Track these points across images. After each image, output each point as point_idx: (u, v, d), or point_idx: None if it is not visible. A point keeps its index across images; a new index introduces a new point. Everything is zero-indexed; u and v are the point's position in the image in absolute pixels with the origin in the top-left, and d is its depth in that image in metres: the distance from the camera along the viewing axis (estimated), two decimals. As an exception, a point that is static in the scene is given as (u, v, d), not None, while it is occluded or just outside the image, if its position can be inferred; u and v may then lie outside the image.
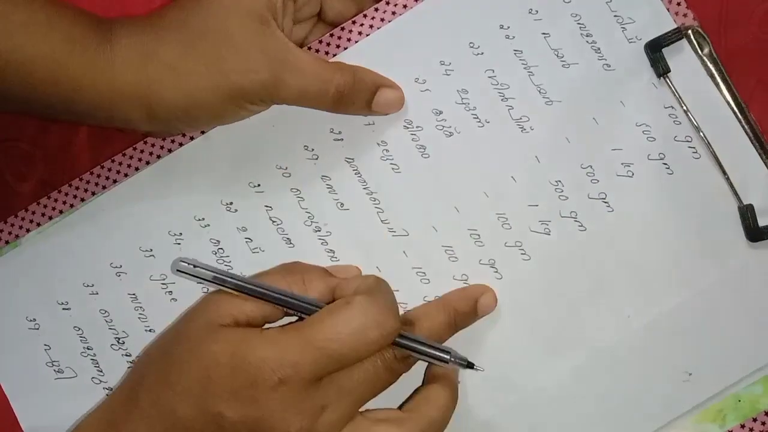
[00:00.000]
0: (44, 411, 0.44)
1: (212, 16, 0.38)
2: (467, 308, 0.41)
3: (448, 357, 0.38)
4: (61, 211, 0.45)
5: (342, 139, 0.43)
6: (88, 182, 0.45)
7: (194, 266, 0.38)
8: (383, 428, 0.36)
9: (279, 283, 0.38)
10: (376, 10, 0.43)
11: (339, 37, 0.43)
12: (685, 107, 0.42)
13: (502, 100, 0.43)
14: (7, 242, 0.45)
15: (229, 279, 0.38)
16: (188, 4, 0.39)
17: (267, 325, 0.39)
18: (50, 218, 0.45)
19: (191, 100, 0.39)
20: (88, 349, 0.44)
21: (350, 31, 0.43)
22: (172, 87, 0.38)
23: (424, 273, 0.43)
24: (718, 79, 0.42)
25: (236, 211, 0.44)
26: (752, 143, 0.41)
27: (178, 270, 0.39)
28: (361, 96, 0.41)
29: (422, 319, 0.39)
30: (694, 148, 0.42)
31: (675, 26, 0.42)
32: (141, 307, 0.44)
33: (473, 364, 0.39)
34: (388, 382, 0.37)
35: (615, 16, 0.42)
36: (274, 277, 0.39)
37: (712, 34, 0.41)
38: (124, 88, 0.38)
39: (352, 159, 0.43)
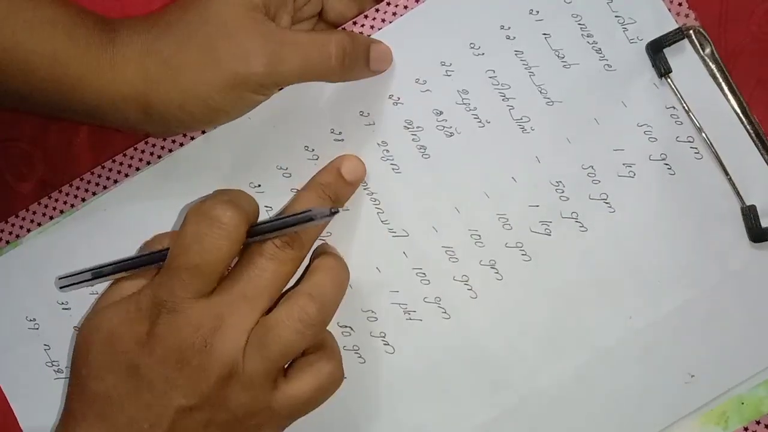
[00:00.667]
0: (44, 411, 0.44)
1: (208, 11, 0.38)
2: (331, 178, 0.41)
3: (311, 213, 0.37)
4: (61, 211, 0.45)
5: (342, 140, 0.43)
6: (88, 182, 0.45)
7: (71, 275, 0.40)
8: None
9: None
10: (377, 10, 0.43)
11: (340, 38, 0.43)
12: (686, 107, 0.41)
13: (502, 100, 0.43)
14: (7, 242, 0.45)
15: (105, 268, 0.40)
16: (187, 1, 0.39)
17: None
18: (51, 218, 0.45)
19: (187, 94, 0.38)
20: (88, 349, 0.44)
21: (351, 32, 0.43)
22: (168, 83, 0.38)
23: (424, 274, 0.43)
24: (720, 80, 0.41)
25: (236, 211, 0.43)
26: (754, 143, 0.41)
27: (61, 287, 0.41)
28: (361, 53, 0.41)
29: (294, 204, 0.40)
30: (696, 148, 0.41)
31: (676, 26, 0.41)
32: (141, 308, 0.43)
33: (338, 209, 0.39)
34: (283, 273, 0.38)
35: (616, 16, 0.42)
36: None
37: (711, 35, 0.41)
38: (123, 88, 0.38)
39: (353, 159, 0.43)
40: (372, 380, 0.43)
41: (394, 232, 0.43)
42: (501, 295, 0.42)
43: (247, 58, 0.38)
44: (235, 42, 0.38)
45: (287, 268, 0.38)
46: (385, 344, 0.43)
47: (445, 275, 0.42)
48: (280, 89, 0.42)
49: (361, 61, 0.41)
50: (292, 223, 0.37)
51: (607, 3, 0.42)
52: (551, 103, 0.42)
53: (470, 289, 0.42)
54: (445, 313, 0.42)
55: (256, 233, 0.38)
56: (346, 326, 0.43)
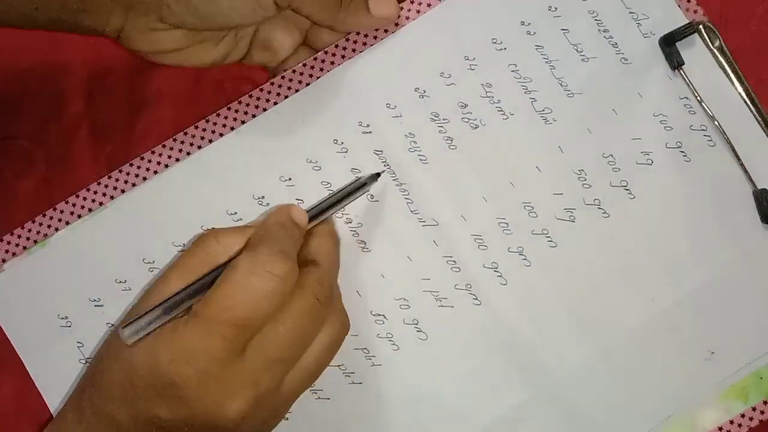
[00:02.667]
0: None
1: None
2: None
3: (366, 180, 0.41)
4: (90, 210, 0.45)
5: (370, 132, 0.44)
6: (117, 180, 0.45)
7: (135, 319, 0.35)
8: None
9: (196, 254, 0.38)
10: (401, 8, 0.45)
11: (365, 35, 0.45)
12: (699, 98, 0.44)
13: (525, 93, 0.44)
14: (35, 241, 0.45)
15: (166, 307, 0.36)
16: None
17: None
18: (79, 216, 0.45)
19: None
20: (121, 345, 0.44)
21: (376, 29, 0.45)
22: None
23: (454, 261, 0.44)
24: (729, 71, 0.44)
25: (268, 204, 0.44)
26: (764, 131, 0.43)
27: (130, 339, 0.36)
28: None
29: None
30: (709, 136, 0.44)
31: (686, 21, 0.44)
32: (174, 302, 0.44)
33: (379, 173, 0.42)
34: (313, 327, 0.37)
35: (630, 12, 0.44)
36: (190, 249, 0.38)
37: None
38: None
39: (381, 151, 0.44)
40: (406, 367, 0.44)
41: (424, 222, 0.44)
42: (529, 281, 0.43)
43: None
44: None
45: (319, 320, 0.38)
46: (417, 331, 0.44)
47: (475, 263, 0.44)
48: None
49: (359, 2, 0.41)
50: (347, 193, 0.40)
51: (621, 0, 0.44)
52: (571, 95, 0.44)
53: (500, 276, 0.44)
54: (475, 299, 0.44)
55: (315, 216, 0.39)
56: (379, 314, 0.44)
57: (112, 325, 0.44)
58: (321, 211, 0.39)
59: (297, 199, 0.44)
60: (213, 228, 0.41)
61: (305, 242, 0.40)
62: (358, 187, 0.40)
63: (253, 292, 0.35)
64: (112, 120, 0.45)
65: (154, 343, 0.35)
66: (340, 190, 0.40)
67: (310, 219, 0.39)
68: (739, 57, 0.44)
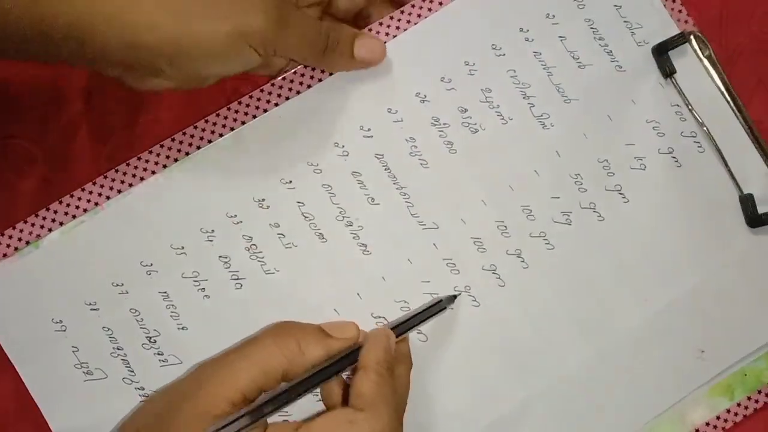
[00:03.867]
0: (74, 413, 0.43)
1: None
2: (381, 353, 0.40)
3: (444, 304, 0.42)
4: (85, 210, 0.44)
5: (372, 136, 0.45)
6: (113, 180, 0.44)
7: (222, 426, 0.35)
8: None
9: (273, 353, 0.37)
10: (402, 12, 0.45)
11: (367, 38, 0.45)
12: (689, 105, 0.45)
13: (523, 98, 0.45)
14: (27, 243, 0.44)
15: (258, 410, 0.36)
16: None
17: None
18: (74, 217, 0.44)
19: (186, 35, 0.36)
20: (119, 349, 0.43)
21: (377, 33, 0.45)
22: (165, 18, 0.36)
23: (454, 264, 0.44)
24: (717, 80, 0.45)
25: (268, 207, 0.44)
26: (750, 138, 0.45)
27: None
28: (344, 41, 0.42)
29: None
30: (699, 142, 0.45)
31: (678, 31, 0.45)
32: (173, 306, 0.43)
33: (456, 295, 0.43)
34: None
35: (624, 21, 0.45)
36: (266, 343, 0.38)
37: (712, 35, 0.45)
38: (104, 9, 0.35)
39: (382, 155, 0.45)
40: (406, 368, 0.44)
41: (424, 225, 0.44)
42: (527, 283, 0.44)
43: (254, 14, 0.37)
44: None
45: None
46: (417, 333, 0.44)
47: (474, 265, 0.44)
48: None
49: (345, 51, 0.42)
50: (427, 316, 0.42)
51: (616, 9, 0.45)
52: (568, 101, 0.45)
53: (498, 278, 0.44)
54: (474, 301, 0.44)
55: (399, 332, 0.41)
56: (380, 317, 0.44)
57: (109, 329, 0.43)
58: (404, 328, 0.41)
59: (298, 202, 0.44)
60: (291, 323, 0.40)
61: None
62: (435, 307, 0.42)
63: None
64: (111, 120, 0.45)
65: None
66: (419, 312, 0.41)
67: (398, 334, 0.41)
68: (739, 58, 0.46)
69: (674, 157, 0.45)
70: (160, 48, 0.36)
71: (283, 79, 0.45)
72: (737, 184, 0.45)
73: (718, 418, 0.45)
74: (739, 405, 0.45)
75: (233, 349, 0.38)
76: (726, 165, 0.45)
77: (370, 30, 0.45)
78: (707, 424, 0.44)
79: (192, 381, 0.38)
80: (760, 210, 0.45)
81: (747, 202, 0.45)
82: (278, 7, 0.38)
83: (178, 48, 0.36)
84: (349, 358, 0.39)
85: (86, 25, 0.35)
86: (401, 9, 0.45)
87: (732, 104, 0.45)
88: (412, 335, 0.44)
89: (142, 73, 0.38)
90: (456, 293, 0.43)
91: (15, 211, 0.44)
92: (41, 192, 0.44)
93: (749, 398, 0.45)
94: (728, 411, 0.45)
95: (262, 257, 0.44)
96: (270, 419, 0.37)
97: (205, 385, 0.36)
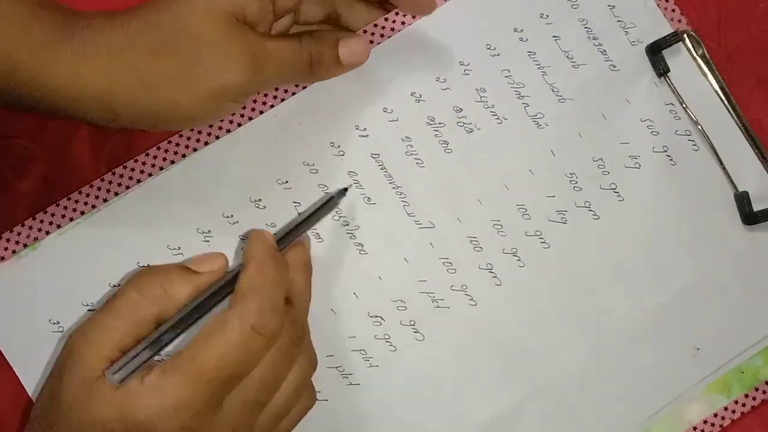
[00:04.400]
0: (72, 415, 0.42)
1: (183, 20, 0.37)
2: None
3: (334, 195, 0.41)
4: (82, 212, 0.44)
5: (367, 136, 0.45)
6: (110, 182, 0.44)
7: (122, 366, 0.35)
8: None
9: (139, 303, 0.36)
10: (396, 14, 0.45)
11: (362, 39, 0.45)
12: (683, 104, 0.45)
13: (518, 98, 0.45)
14: (25, 245, 0.44)
15: (150, 345, 0.36)
16: (159, 6, 0.37)
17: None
18: (71, 219, 0.44)
19: (162, 105, 0.37)
20: (116, 350, 0.43)
21: (372, 34, 0.45)
22: (140, 93, 0.36)
23: (450, 263, 0.44)
24: (711, 78, 0.46)
25: (265, 207, 0.44)
26: (744, 136, 0.45)
27: (118, 380, 0.35)
28: (328, 52, 0.41)
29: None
30: (693, 141, 0.45)
31: (672, 30, 0.45)
32: (170, 306, 0.43)
33: (347, 188, 0.42)
34: (286, 368, 0.38)
35: (618, 21, 0.46)
36: (130, 295, 0.37)
37: (711, 34, 0.45)
38: (86, 91, 0.36)
39: (378, 155, 0.45)
40: (402, 367, 0.44)
41: (420, 224, 0.45)
42: (523, 282, 0.44)
43: (228, 69, 0.37)
44: (216, 53, 0.37)
45: (293, 362, 0.38)
46: (414, 332, 0.44)
47: (471, 264, 0.44)
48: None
49: (330, 60, 0.41)
50: (316, 212, 0.40)
51: (610, 9, 0.46)
52: (563, 101, 0.45)
53: (495, 277, 0.45)
54: (471, 300, 0.44)
55: (286, 240, 0.39)
56: (376, 316, 0.44)
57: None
58: (290, 232, 0.39)
59: (294, 202, 0.45)
60: (152, 267, 0.39)
61: None
62: (326, 204, 0.40)
63: (244, 350, 0.35)
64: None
65: (127, 404, 0.34)
66: (310, 210, 0.40)
67: (281, 240, 0.39)
68: (738, 57, 0.46)
69: (669, 156, 0.45)
70: (139, 118, 0.38)
71: (279, 80, 0.45)
72: (732, 182, 0.45)
73: (715, 415, 0.45)
74: (736, 402, 0.45)
75: (98, 309, 0.37)
76: (721, 163, 0.45)
77: (365, 32, 0.45)
78: (705, 421, 0.45)
79: (65, 352, 0.36)
80: (756, 207, 0.45)
81: (742, 200, 0.45)
82: (251, 51, 0.37)
83: (157, 119, 0.38)
84: (227, 288, 0.37)
85: (69, 100, 0.36)
86: (395, 11, 0.45)
87: (726, 102, 0.45)
88: (408, 333, 0.44)
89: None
90: (346, 186, 0.42)
91: (15, 211, 0.44)
92: (41, 192, 0.44)
93: (746, 396, 0.45)
94: (725, 408, 0.45)
95: (259, 257, 0.44)
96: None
97: (78, 351, 0.35)
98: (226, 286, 0.37)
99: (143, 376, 0.34)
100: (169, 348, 0.36)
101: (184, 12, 0.37)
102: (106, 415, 0.34)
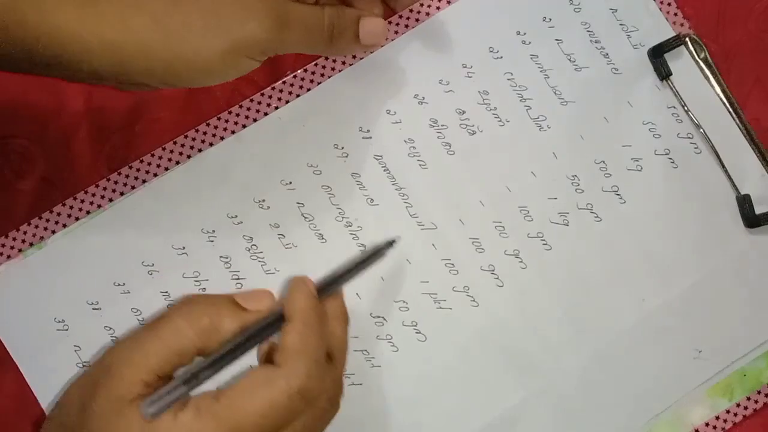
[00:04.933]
0: (75, 412, 0.43)
1: None
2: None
3: (383, 247, 0.40)
4: (88, 212, 0.44)
5: (370, 137, 0.45)
6: (116, 182, 0.45)
7: (158, 398, 0.34)
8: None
9: (185, 332, 0.35)
10: (400, 16, 0.46)
11: (366, 42, 0.46)
12: (685, 107, 0.46)
13: (520, 100, 0.46)
14: (31, 244, 0.44)
15: (186, 381, 0.35)
16: None
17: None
18: (77, 219, 0.44)
19: (179, 57, 0.35)
20: (120, 348, 0.43)
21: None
22: (158, 45, 0.34)
23: (452, 264, 0.45)
24: (713, 82, 0.46)
25: (268, 208, 0.45)
26: (746, 139, 0.46)
27: (152, 413, 0.34)
28: (348, 26, 0.40)
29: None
30: (695, 144, 0.46)
31: (674, 34, 0.46)
32: (173, 305, 0.44)
33: (394, 240, 0.40)
34: (319, 426, 0.37)
35: (620, 24, 0.46)
36: (177, 322, 0.36)
37: (710, 33, 0.46)
38: (95, 39, 0.34)
39: (381, 156, 0.45)
40: (405, 367, 0.44)
41: (423, 225, 0.45)
42: (525, 283, 0.45)
43: (251, 23, 0.35)
44: (240, 5, 0.35)
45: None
46: (416, 332, 0.44)
47: (473, 265, 0.45)
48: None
49: (349, 34, 0.40)
50: (362, 265, 0.39)
51: (612, 13, 0.46)
52: (565, 104, 0.46)
53: (496, 278, 0.45)
54: (473, 301, 0.45)
55: (336, 283, 0.39)
56: (379, 316, 0.44)
57: (111, 328, 0.44)
58: (334, 282, 0.38)
59: (297, 203, 0.45)
60: (200, 296, 0.37)
61: None
62: (373, 255, 0.39)
63: (286, 411, 0.34)
64: (111, 120, 0.45)
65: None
66: (356, 260, 0.39)
67: (323, 290, 0.38)
68: (737, 56, 0.46)
69: (671, 158, 0.45)
70: (151, 71, 0.35)
71: (283, 82, 0.45)
72: (734, 185, 0.45)
73: (717, 418, 0.45)
74: (738, 405, 0.45)
75: (142, 329, 0.36)
76: (723, 166, 0.45)
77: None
78: (707, 424, 0.45)
79: (103, 367, 0.35)
80: (758, 210, 0.45)
81: (744, 203, 0.45)
82: (277, 8, 0.36)
83: (171, 71, 0.35)
84: (271, 327, 0.36)
85: (75, 50, 0.34)
86: (399, 14, 0.46)
87: (728, 105, 0.46)
88: (410, 333, 0.44)
89: (135, 87, 0.37)
90: (394, 238, 0.40)
91: (15, 211, 0.44)
92: (41, 192, 0.45)
93: (749, 398, 0.45)
94: (728, 411, 0.45)
95: (263, 257, 0.44)
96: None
97: (117, 369, 0.35)
98: (269, 327, 0.36)
99: (176, 412, 0.34)
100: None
101: None
102: None
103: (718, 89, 0.46)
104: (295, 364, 0.35)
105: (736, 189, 0.45)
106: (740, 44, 0.46)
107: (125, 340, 0.36)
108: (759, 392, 0.45)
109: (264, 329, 0.36)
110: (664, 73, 0.45)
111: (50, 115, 0.45)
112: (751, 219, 0.45)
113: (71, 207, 0.44)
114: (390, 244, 0.40)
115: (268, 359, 0.37)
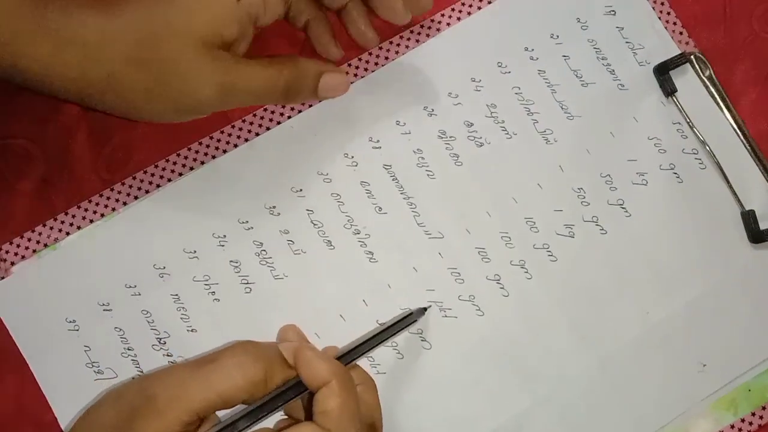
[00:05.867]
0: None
1: (159, 39, 0.38)
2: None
3: (413, 316, 0.42)
4: (102, 215, 0.45)
5: (380, 147, 0.46)
6: (130, 186, 0.46)
7: None
8: None
9: (236, 381, 0.36)
10: (411, 31, 0.47)
11: (377, 56, 0.47)
12: (690, 123, 0.46)
13: (527, 114, 0.46)
14: (45, 245, 0.45)
15: (223, 429, 0.36)
16: (137, 15, 0.38)
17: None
18: (91, 221, 0.45)
19: (132, 109, 0.40)
20: (129, 349, 0.44)
21: (387, 50, 0.47)
22: (112, 96, 0.39)
23: (458, 273, 0.45)
24: (718, 99, 0.47)
25: (279, 214, 0.46)
26: (751, 155, 0.46)
27: None
28: (307, 84, 0.43)
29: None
30: (700, 159, 0.46)
31: (679, 52, 0.47)
32: (183, 308, 0.45)
33: (426, 308, 0.44)
34: None
35: (626, 42, 0.47)
36: (230, 370, 0.36)
37: (713, 32, 0.47)
38: (62, 81, 0.38)
39: (390, 166, 0.46)
40: (410, 375, 0.45)
41: (430, 234, 0.46)
42: (530, 293, 0.45)
43: (196, 94, 0.39)
44: (185, 78, 0.39)
45: None
46: (422, 340, 0.45)
47: (479, 275, 0.45)
48: None
49: (306, 91, 0.43)
50: (391, 329, 0.41)
51: (619, 31, 0.47)
52: (571, 118, 0.46)
53: (502, 288, 0.45)
54: (479, 310, 0.45)
55: (357, 353, 0.40)
56: (384, 323, 0.45)
57: (121, 329, 0.44)
58: (363, 344, 0.40)
59: (307, 210, 0.46)
60: (255, 346, 0.38)
61: None
62: (403, 320, 0.42)
63: None
64: (111, 120, 0.46)
65: None
66: (387, 324, 0.42)
67: (350, 353, 0.40)
68: (738, 55, 0.47)
69: (676, 173, 0.46)
70: (111, 111, 0.41)
71: (296, 92, 0.46)
72: (739, 201, 0.46)
73: (721, 433, 0.44)
74: (743, 421, 0.45)
75: (191, 365, 0.36)
76: (727, 181, 0.46)
77: (380, 48, 0.47)
78: (711, 439, 0.44)
79: (144, 395, 0.35)
80: (762, 226, 0.45)
81: (749, 218, 0.46)
82: (222, 78, 0.39)
83: (126, 116, 0.41)
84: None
85: (43, 86, 0.39)
86: (410, 29, 0.47)
87: (732, 122, 0.46)
88: (416, 341, 0.44)
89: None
90: (426, 306, 0.44)
91: (14, 211, 0.45)
92: (41, 192, 0.45)
93: (753, 414, 0.45)
94: (732, 426, 0.45)
95: (272, 263, 0.45)
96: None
97: (160, 404, 0.35)
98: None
99: None
100: None
101: (161, 32, 0.38)
102: None
103: (723, 105, 0.47)
104: (344, 426, 0.36)
105: (741, 204, 0.46)
106: (744, 44, 0.47)
107: (172, 372, 0.36)
108: (764, 408, 0.45)
109: (300, 385, 0.37)
110: (669, 90, 0.46)
111: (50, 115, 0.46)
112: (756, 234, 0.45)
113: (86, 209, 0.45)
114: (422, 310, 0.44)
115: (287, 412, 0.40)
